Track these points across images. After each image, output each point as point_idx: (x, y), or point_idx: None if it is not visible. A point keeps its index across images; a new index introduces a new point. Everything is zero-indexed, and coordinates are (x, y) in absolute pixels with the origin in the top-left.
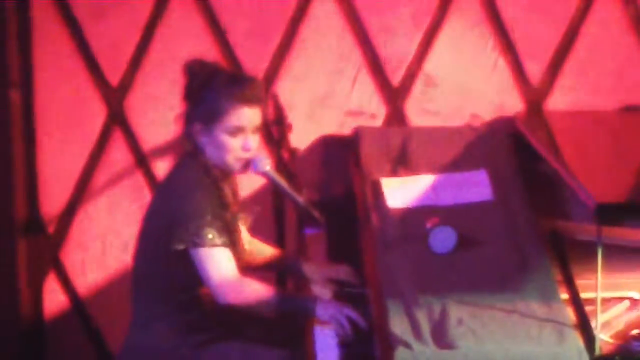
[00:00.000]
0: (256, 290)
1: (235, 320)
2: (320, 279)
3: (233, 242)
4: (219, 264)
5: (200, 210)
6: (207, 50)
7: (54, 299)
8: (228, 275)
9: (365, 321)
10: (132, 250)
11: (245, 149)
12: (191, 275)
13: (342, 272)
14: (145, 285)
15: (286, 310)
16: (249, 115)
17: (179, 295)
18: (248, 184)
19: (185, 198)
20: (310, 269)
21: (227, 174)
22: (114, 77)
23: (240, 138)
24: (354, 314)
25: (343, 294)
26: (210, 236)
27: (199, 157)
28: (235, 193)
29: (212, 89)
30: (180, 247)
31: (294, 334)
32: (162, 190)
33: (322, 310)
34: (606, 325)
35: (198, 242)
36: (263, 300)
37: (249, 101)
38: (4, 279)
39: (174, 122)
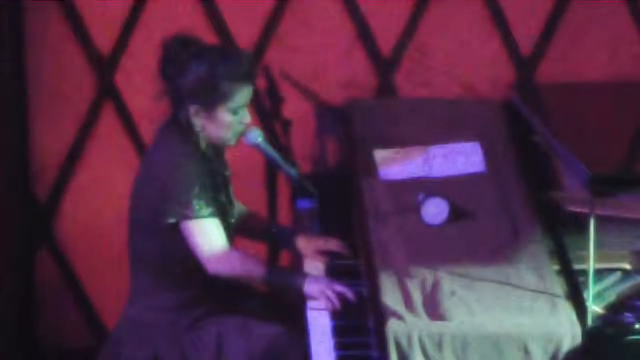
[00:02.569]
0: (245, 262)
1: (232, 294)
2: (311, 251)
3: (223, 213)
4: (208, 234)
5: (188, 183)
6: (197, 20)
7: (45, 271)
8: (217, 246)
9: (355, 295)
10: (125, 223)
11: (244, 122)
12: (184, 249)
13: (333, 244)
14: (141, 258)
15: (274, 283)
16: (250, 92)
17: (174, 269)
18: (240, 157)
19: (172, 171)
20: (301, 242)
21: (218, 147)
22: (104, 50)
23: (240, 113)
24: (343, 289)
25: (335, 266)
26: (197, 207)
27: (187, 133)
28: (224, 163)
29: (210, 72)
30: (171, 220)
31: (291, 308)
32: (148, 164)
33: (310, 286)
34: (598, 296)
35: (187, 214)
36: (252, 273)
37: (250, 79)
38: None
39: (160, 97)
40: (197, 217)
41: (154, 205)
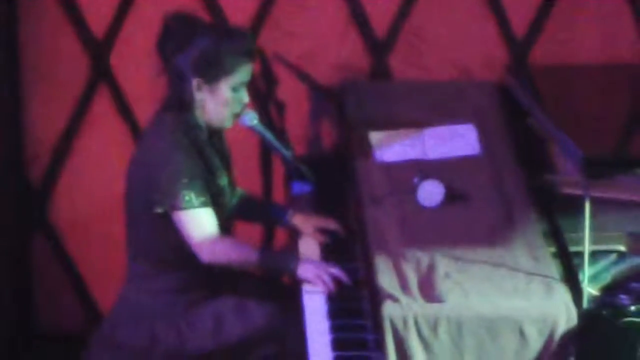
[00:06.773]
0: (237, 249)
1: (228, 277)
2: (308, 229)
3: (222, 198)
4: (198, 224)
5: (177, 173)
6: (191, 2)
7: (41, 256)
8: (208, 235)
9: (349, 277)
10: (120, 207)
11: (242, 102)
12: (178, 236)
13: (331, 223)
14: (137, 243)
15: (267, 269)
16: (250, 70)
17: (169, 254)
18: (235, 140)
19: (162, 161)
20: (298, 220)
21: (215, 129)
22: (99, 33)
23: (239, 92)
24: (336, 271)
25: (330, 245)
26: (187, 198)
27: (183, 114)
28: (223, 147)
29: (215, 45)
30: (159, 210)
31: (287, 289)
32: (141, 149)
33: (304, 270)
34: (593, 278)
35: (176, 204)
36: (244, 259)
37: (252, 57)
38: None
39: (158, 75)
40: (187, 207)
41: (145, 193)
